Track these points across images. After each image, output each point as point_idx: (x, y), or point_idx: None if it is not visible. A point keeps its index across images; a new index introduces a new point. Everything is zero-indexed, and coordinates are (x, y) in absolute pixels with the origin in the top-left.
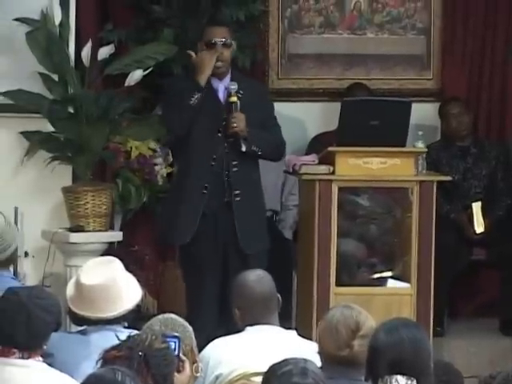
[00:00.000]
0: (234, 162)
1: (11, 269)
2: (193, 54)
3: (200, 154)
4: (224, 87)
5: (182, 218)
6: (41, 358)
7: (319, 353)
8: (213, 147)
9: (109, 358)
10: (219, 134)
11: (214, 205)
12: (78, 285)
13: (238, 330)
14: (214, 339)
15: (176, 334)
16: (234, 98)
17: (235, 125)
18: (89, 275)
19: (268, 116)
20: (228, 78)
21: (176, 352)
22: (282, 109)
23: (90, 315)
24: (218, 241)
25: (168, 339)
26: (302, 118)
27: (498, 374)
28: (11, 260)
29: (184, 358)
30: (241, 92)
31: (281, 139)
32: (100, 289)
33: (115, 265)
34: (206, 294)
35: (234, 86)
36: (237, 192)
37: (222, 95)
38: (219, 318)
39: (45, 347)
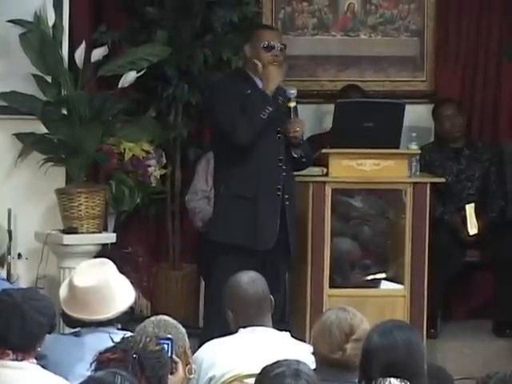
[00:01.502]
0: (285, 166)
1: (2, 271)
2: (259, 64)
3: (267, 155)
4: (270, 91)
5: (263, 223)
6: (35, 360)
7: (314, 354)
8: (277, 149)
9: (103, 360)
10: (279, 136)
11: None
12: (72, 287)
13: (231, 331)
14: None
15: (169, 336)
16: (294, 103)
17: (298, 129)
18: (82, 277)
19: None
20: None
21: (169, 354)
22: None
23: (83, 317)
24: (272, 241)
25: (161, 341)
26: None
27: (496, 374)
28: (1, 262)
29: (177, 359)
30: (281, 99)
31: (311, 151)
32: (93, 291)
33: (108, 267)
34: None
35: (294, 91)
36: (286, 196)
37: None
38: None
39: (39, 349)
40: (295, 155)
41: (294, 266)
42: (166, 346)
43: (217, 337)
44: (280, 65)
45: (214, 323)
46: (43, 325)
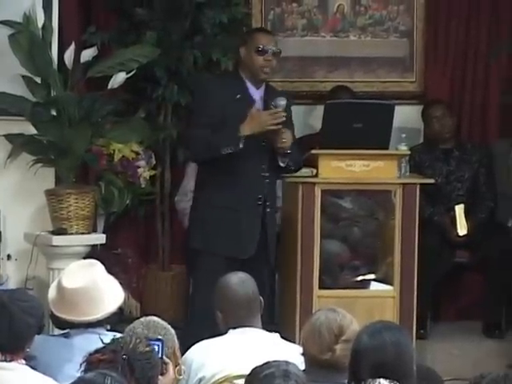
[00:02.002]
0: (268, 174)
1: None
2: (254, 109)
3: (249, 164)
4: (260, 97)
5: (243, 231)
6: (23, 361)
7: (303, 355)
8: (261, 158)
9: (92, 361)
10: (263, 143)
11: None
12: (60, 288)
13: (220, 332)
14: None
15: (159, 337)
16: (284, 114)
17: (285, 140)
18: (70, 279)
19: (292, 129)
20: (263, 88)
21: (159, 355)
22: None
23: (72, 319)
24: (252, 250)
25: (151, 342)
26: None
27: (489, 375)
28: None
29: (168, 360)
30: (272, 104)
31: (300, 154)
32: (82, 292)
33: (97, 268)
34: None
35: (283, 102)
36: (268, 203)
37: (258, 105)
38: None
39: (28, 350)
40: (282, 164)
41: (280, 269)
42: (156, 347)
43: (205, 338)
44: (270, 71)
45: (194, 323)
46: (31, 325)
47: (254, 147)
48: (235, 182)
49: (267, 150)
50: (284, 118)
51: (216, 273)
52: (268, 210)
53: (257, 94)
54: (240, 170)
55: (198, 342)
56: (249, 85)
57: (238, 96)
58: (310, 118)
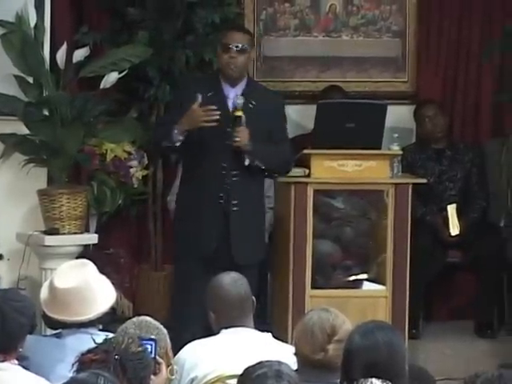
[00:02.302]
0: (234, 172)
1: None
2: (194, 105)
3: (211, 163)
4: (235, 94)
5: (202, 230)
6: (16, 361)
7: (296, 355)
8: (221, 157)
9: (85, 361)
10: (227, 142)
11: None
12: (52, 288)
13: (213, 332)
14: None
15: (152, 337)
16: (240, 113)
17: (238, 139)
18: (62, 279)
19: (278, 130)
20: (241, 85)
21: (152, 354)
22: None
23: (64, 319)
24: (210, 248)
25: (144, 342)
26: None
27: (483, 374)
28: None
29: (160, 360)
30: (253, 102)
31: (288, 155)
32: (74, 292)
33: (89, 268)
34: (192, 300)
35: (241, 101)
36: (234, 202)
37: (231, 103)
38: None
39: (20, 350)
40: (245, 162)
41: (272, 268)
42: (149, 346)
43: (183, 338)
44: (236, 68)
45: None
46: (24, 325)
47: (216, 146)
48: (198, 180)
49: (229, 148)
50: (217, 117)
51: (183, 272)
52: (235, 209)
53: (232, 91)
54: (202, 168)
55: (177, 342)
56: (223, 83)
57: (210, 94)
58: (302, 118)
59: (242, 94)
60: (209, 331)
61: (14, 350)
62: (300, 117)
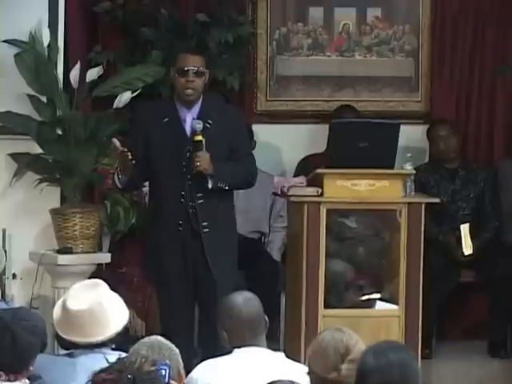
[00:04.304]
0: (199, 194)
1: None
2: (117, 142)
3: (169, 191)
4: (192, 117)
5: (162, 258)
6: (27, 381)
7: (309, 374)
8: (180, 183)
9: (98, 380)
10: (184, 169)
11: (186, 238)
12: (65, 310)
13: (225, 352)
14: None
15: (167, 362)
16: (199, 137)
17: (198, 164)
18: (75, 300)
19: (240, 145)
20: (197, 107)
21: (166, 380)
22: (270, 130)
23: (77, 340)
24: (187, 270)
25: (159, 366)
26: (291, 140)
27: None
28: None
29: (174, 383)
30: (209, 122)
31: (251, 170)
32: (87, 314)
33: (102, 288)
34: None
35: (200, 125)
36: (204, 224)
37: (188, 126)
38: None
39: (31, 368)
40: (209, 186)
41: (285, 287)
42: (163, 371)
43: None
44: (194, 91)
45: None
46: (34, 344)
47: (174, 170)
48: (158, 208)
49: (189, 174)
50: (131, 158)
51: (170, 297)
52: (206, 230)
53: (188, 114)
54: (161, 196)
55: None
56: (179, 106)
57: (166, 120)
58: (315, 138)
59: (199, 117)
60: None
61: (25, 369)
62: (313, 136)
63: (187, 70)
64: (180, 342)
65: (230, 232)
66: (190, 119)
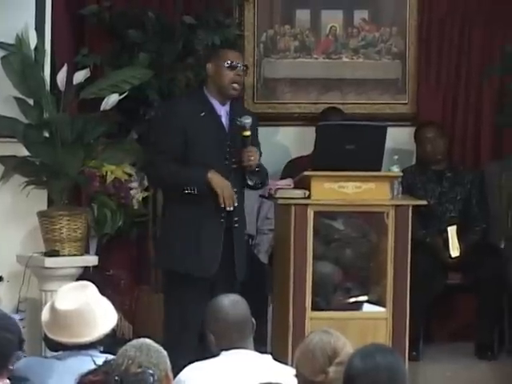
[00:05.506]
0: (235, 190)
1: None
2: (217, 180)
3: None
4: (226, 113)
5: (204, 249)
6: (7, 381)
7: (296, 377)
8: (223, 174)
9: (85, 382)
10: (226, 162)
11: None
12: (53, 310)
13: (212, 354)
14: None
15: (150, 372)
16: (248, 133)
17: (252, 158)
18: (63, 301)
19: (258, 147)
20: (228, 104)
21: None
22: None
23: (65, 341)
24: (215, 267)
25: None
26: (278, 142)
27: None
28: None
29: None
30: (239, 119)
31: (266, 172)
32: (75, 314)
33: (90, 289)
34: (190, 323)
35: (249, 121)
36: (236, 219)
37: (225, 121)
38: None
39: (11, 368)
40: (250, 183)
41: (272, 290)
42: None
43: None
44: (239, 87)
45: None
46: (11, 341)
47: (217, 165)
48: (197, 197)
49: (232, 167)
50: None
51: (184, 297)
52: (236, 225)
53: (222, 109)
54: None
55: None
56: (213, 101)
57: (203, 113)
58: (301, 140)
59: (232, 114)
60: (201, 354)
61: (4, 368)
62: (299, 139)
63: (236, 65)
64: (192, 341)
65: (245, 230)
66: (224, 114)
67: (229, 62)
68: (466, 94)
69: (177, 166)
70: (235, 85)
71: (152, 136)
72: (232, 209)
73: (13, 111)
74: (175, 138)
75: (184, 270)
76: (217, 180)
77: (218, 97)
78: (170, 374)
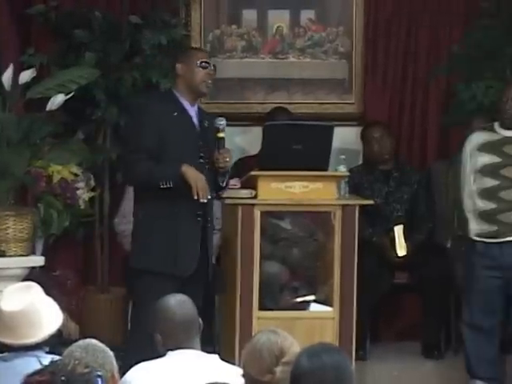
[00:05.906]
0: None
1: None
2: (191, 172)
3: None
4: (195, 113)
5: (183, 248)
6: None
7: (243, 376)
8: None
9: (31, 382)
10: (200, 161)
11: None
12: None
13: (158, 354)
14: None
15: (98, 373)
16: (223, 134)
17: (228, 160)
18: (8, 302)
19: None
20: (196, 105)
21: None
22: None
23: (11, 342)
24: (192, 266)
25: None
26: (225, 142)
27: None
28: None
29: None
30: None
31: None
32: (20, 315)
33: (35, 290)
34: None
35: (223, 122)
36: (209, 219)
37: (195, 121)
38: None
39: None
40: (222, 184)
41: (223, 287)
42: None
43: (143, 360)
44: (210, 85)
45: (136, 346)
46: None
47: (191, 164)
48: (173, 197)
49: (205, 167)
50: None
51: (157, 295)
52: (209, 225)
53: (192, 110)
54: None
55: (138, 363)
56: (184, 102)
57: (175, 113)
58: (248, 140)
59: (200, 115)
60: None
61: None
62: (246, 138)
63: (208, 64)
64: None
65: (213, 231)
66: (194, 114)
67: (200, 61)
68: (412, 94)
69: (151, 163)
70: (208, 82)
71: (124, 135)
72: (206, 201)
73: None
74: (149, 137)
75: (161, 270)
76: (191, 172)
77: (188, 96)
78: (117, 375)
